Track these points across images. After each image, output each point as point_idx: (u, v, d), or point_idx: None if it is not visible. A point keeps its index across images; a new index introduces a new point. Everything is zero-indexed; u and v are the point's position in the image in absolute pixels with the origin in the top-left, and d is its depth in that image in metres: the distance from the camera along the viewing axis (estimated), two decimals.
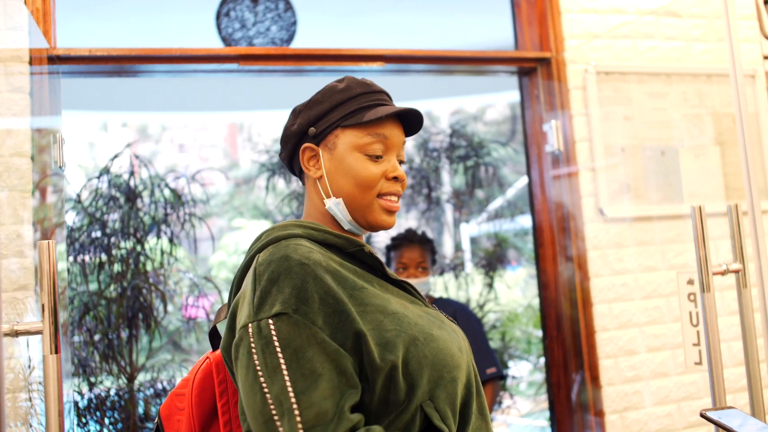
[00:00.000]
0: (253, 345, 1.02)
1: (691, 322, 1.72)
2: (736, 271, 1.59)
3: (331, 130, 1.20)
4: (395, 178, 1.20)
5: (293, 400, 0.98)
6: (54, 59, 2.14)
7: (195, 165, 8.43)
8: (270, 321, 1.02)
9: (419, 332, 1.08)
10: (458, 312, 2.61)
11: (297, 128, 1.22)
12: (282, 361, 1.00)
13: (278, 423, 0.98)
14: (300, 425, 0.97)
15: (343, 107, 1.20)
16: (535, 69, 2.61)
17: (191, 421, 1.19)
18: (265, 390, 1.00)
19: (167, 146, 9.12)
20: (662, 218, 2.59)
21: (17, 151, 1.98)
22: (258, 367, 1.01)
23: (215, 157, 9.27)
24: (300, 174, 1.27)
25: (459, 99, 5.79)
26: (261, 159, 3.91)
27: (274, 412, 0.98)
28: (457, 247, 4.46)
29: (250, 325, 1.04)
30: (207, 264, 6.15)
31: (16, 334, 1.34)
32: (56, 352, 1.32)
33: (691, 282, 1.72)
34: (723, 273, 1.59)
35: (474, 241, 5.37)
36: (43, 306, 1.32)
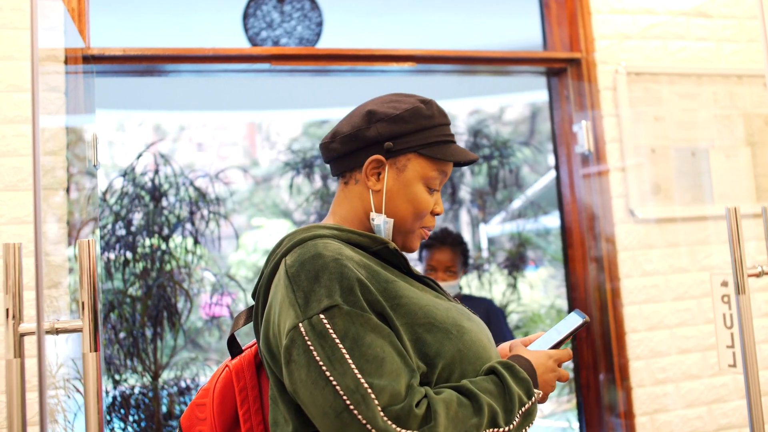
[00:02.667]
0: (309, 342, 1.02)
1: (725, 324, 1.71)
2: None
3: (406, 152, 1.20)
4: (436, 213, 1.26)
5: (366, 385, 0.99)
6: (89, 59, 2.15)
7: (214, 164, 8.45)
8: (321, 316, 1.03)
9: (452, 325, 1.10)
10: (489, 309, 2.61)
11: (374, 136, 1.20)
12: (344, 351, 1.01)
13: (355, 411, 0.98)
14: (379, 407, 0.98)
15: (424, 134, 1.20)
16: (565, 69, 2.59)
17: (214, 430, 1.19)
18: (334, 383, 1.00)
19: (185, 145, 9.15)
20: (692, 219, 2.57)
21: (52, 149, 1.99)
22: (321, 363, 1.01)
23: (234, 156, 9.28)
24: (344, 172, 1.24)
25: (477, 99, 5.77)
26: (283, 158, 3.91)
27: (348, 402, 0.99)
28: (479, 248, 4.44)
29: (300, 324, 1.04)
30: (227, 262, 6.17)
31: (57, 332, 1.34)
32: (96, 350, 1.32)
33: (724, 284, 1.71)
34: (758, 275, 1.57)
35: (496, 241, 5.35)
36: (82, 304, 1.31)
